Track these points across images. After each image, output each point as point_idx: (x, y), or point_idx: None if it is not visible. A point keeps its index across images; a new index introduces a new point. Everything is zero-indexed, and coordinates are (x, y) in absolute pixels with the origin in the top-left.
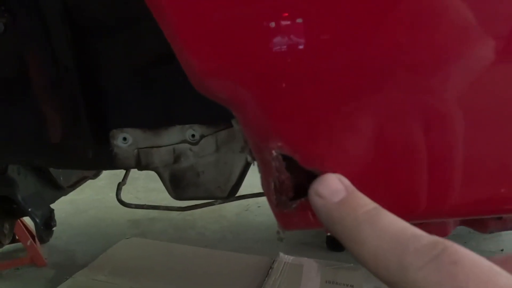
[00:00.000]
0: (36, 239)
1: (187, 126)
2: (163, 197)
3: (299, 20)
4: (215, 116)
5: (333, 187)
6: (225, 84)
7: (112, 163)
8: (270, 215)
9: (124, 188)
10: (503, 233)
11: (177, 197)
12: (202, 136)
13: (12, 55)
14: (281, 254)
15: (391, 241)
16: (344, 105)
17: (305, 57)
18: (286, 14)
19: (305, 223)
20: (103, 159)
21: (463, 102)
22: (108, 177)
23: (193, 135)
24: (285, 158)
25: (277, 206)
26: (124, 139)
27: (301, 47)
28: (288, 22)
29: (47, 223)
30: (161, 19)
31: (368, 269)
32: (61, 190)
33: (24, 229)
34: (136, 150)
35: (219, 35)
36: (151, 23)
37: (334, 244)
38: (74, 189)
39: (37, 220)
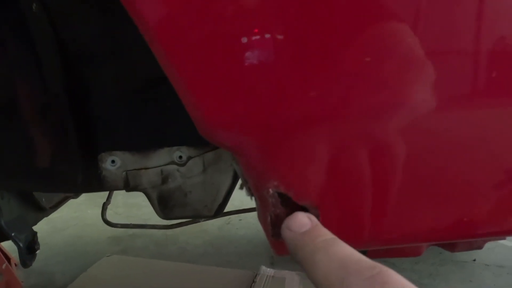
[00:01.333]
0: (12, 262)
1: (174, 148)
2: (144, 212)
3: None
4: (202, 138)
5: (301, 222)
6: (231, 135)
7: (100, 186)
8: (251, 228)
9: (102, 204)
10: None
11: (165, 217)
12: (189, 158)
13: (1, 81)
14: (263, 268)
15: (339, 264)
16: (331, 153)
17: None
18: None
19: None
20: (91, 182)
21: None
22: (86, 194)
23: (180, 157)
24: (280, 195)
25: (272, 236)
26: (113, 161)
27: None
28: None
29: (30, 246)
30: (175, 81)
31: (319, 287)
32: (43, 211)
33: None
34: (124, 173)
35: (229, 95)
36: (140, 51)
37: None
38: (56, 210)
39: (21, 245)
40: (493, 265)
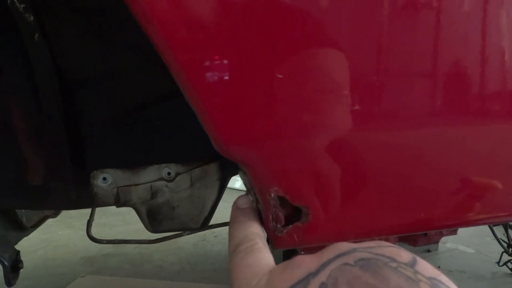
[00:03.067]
0: None
1: (163, 165)
2: (116, 231)
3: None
4: (189, 155)
5: (244, 200)
6: (243, 152)
7: (91, 202)
8: (226, 244)
9: (74, 224)
10: (440, 252)
11: (154, 230)
12: (177, 174)
13: None
14: None
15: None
16: (314, 164)
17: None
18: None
19: (291, 243)
20: (83, 198)
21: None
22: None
23: (169, 173)
24: (280, 198)
25: (273, 232)
26: (104, 179)
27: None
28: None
29: (14, 265)
30: (196, 107)
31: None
32: (24, 230)
33: None
34: (115, 189)
35: (243, 119)
36: (132, 74)
37: None
38: (36, 229)
39: (6, 263)
40: (456, 270)
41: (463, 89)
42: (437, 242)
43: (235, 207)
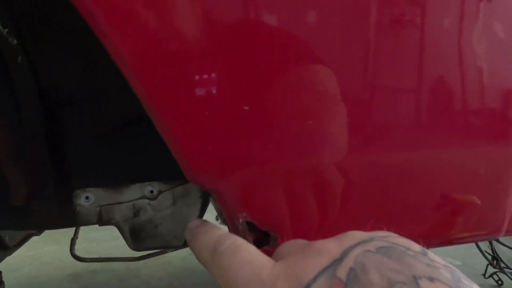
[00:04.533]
0: None
1: (146, 183)
2: (104, 247)
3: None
4: (172, 174)
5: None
6: (211, 179)
7: (74, 221)
8: None
9: (60, 240)
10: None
11: (136, 248)
12: (160, 192)
13: None
14: None
15: None
16: (282, 192)
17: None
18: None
19: None
20: (65, 217)
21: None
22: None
23: (151, 191)
24: (248, 223)
25: None
26: (87, 197)
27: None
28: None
29: None
30: (164, 135)
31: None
32: (7, 249)
33: None
34: (98, 208)
35: (211, 148)
36: (115, 95)
37: None
38: (19, 248)
39: None
40: None
41: (442, 110)
42: None
43: (189, 228)
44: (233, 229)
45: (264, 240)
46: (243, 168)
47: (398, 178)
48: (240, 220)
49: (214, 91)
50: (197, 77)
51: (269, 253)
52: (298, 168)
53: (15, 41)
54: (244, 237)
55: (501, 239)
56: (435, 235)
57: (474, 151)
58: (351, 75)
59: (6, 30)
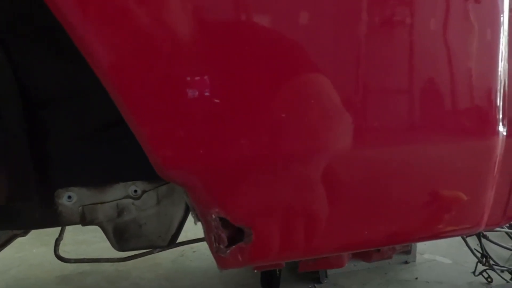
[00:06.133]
0: None
1: (130, 182)
2: (94, 248)
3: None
4: (156, 173)
5: None
6: (182, 175)
7: (57, 221)
8: (205, 260)
9: (49, 242)
10: (417, 263)
11: (120, 248)
12: (144, 191)
13: None
14: None
15: None
16: (259, 188)
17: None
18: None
19: (236, 263)
20: (48, 217)
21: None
22: (30, 233)
23: (135, 191)
24: (221, 219)
25: (216, 252)
26: (69, 197)
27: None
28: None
29: None
30: (136, 133)
31: None
32: None
33: None
34: (81, 207)
35: (181, 145)
36: (96, 94)
37: (269, 284)
38: (3, 249)
39: None
40: (433, 281)
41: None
42: (390, 257)
43: None
44: (206, 226)
45: (238, 237)
46: (215, 163)
47: (376, 176)
48: (213, 216)
49: (186, 90)
50: (168, 78)
51: (244, 250)
52: (272, 163)
53: None
54: (217, 234)
55: (491, 237)
56: (421, 231)
57: (452, 148)
58: (328, 75)
59: None
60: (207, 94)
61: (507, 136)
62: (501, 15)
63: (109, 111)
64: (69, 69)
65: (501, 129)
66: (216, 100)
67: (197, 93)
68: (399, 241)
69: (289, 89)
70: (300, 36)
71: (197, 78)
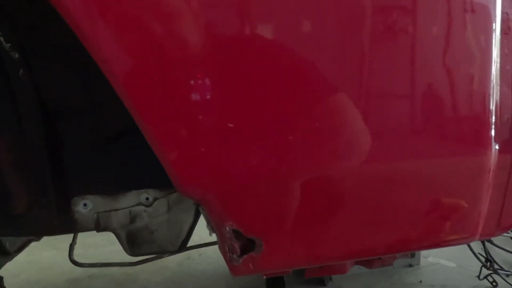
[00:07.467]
0: None
1: (142, 190)
2: (101, 251)
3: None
4: (167, 181)
5: None
6: (199, 191)
7: (73, 228)
8: (211, 263)
9: (59, 245)
10: (422, 266)
11: (133, 253)
12: (155, 199)
13: None
14: None
15: None
16: (267, 204)
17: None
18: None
19: (247, 271)
20: (64, 224)
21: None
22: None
23: (147, 198)
24: (234, 231)
25: (230, 261)
26: (85, 205)
27: None
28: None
29: None
30: (155, 149)
31: None
32: (7, 255)
33: None
34: (95, 215)
35: (197, 165)
36: (110, 106)
37: (274, 287)
38: (19, 253)
39: None
40: (437, 285)
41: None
42: (391, 264)
43: None
44: (221, 237)
45: (250, 247)
46: (230, 181)
47: (376, 188)
48: (227, 228)
49: (202, 108)
50: (185, 92)
51: (255, 259)
52: (283, 178)
53: (17, 55)
54: (231, 244)
55: (495, 241)
56: (419, 240)
57: (448, 161)
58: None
59: (8, 44)
60: (222, 113)
61: (499, 150)
62: (493, 23)
63: (121, 121)
64: (84, 83)
65: (494, 143)
66: (231, 122)
67: (213, 111)
68: (399, 250)
69: (300, 106)
70: (314, 51)
71: (214, 97)
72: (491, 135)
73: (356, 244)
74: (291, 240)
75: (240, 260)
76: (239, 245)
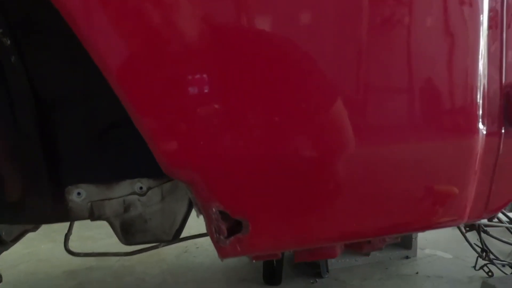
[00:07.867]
0: None
1: (136, 179)
2: (99, 244)
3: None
4: (160, 170)
5: None
6: (186, 172)
7: (67, 216)
8: (208, 256)
9: (57, 238)
10: (418, 258)
11: (127, 242)
12: (149, 188)
13: None
14: None
15: None
16: (254, 185)
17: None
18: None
19: (235, 252)
20: (58, 213)
21: None
22: (38, 229)
23: (141, 188)
24: (221, 212)
25: (217, 242)
26: (79, 193)
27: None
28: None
29: None
30: (141, 131)
31: None
32: (3, 245)
33: None
34: (89, 203)
35: (184, 145)
36: (104, 97)
37: (271, 279)
38: (15, 243)
39: None
40: (433, 276)
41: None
42: (381, 248)
43: None
44: (207, 218)
45: (237, 228)
46: (217, 162)
47: (363, 172)
48: (214, 210)
49: (189, 91)
50: (172, 79)
51: (242, 240)
52: (267, 162)
53: (9, 42)
54: (218, 226)
55: (492, 232)
56: (409, 223)
57: (435, 145)
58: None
59: (0, 30)
60: (209, 96)
61: (486, 134)
62: (481, 15)
63: (115, 112)
64: (78, 73)
65: (481, 127)
66: (217, 104)
67: (200, 94)
68: (387, 232)
69: (286, 91)
70: (306, 41)
71: (199, 80)
72: (479, 119)
73: (343, 227)
74: (278, 222)
75: (227, 242)
76: (226, 226)
